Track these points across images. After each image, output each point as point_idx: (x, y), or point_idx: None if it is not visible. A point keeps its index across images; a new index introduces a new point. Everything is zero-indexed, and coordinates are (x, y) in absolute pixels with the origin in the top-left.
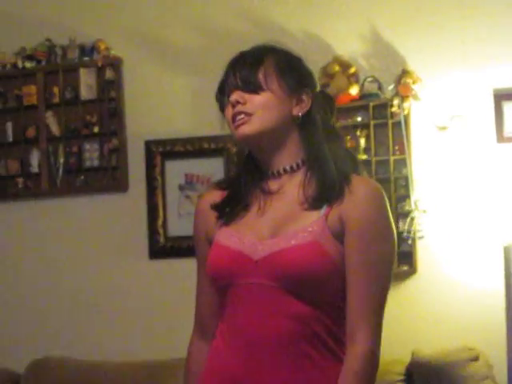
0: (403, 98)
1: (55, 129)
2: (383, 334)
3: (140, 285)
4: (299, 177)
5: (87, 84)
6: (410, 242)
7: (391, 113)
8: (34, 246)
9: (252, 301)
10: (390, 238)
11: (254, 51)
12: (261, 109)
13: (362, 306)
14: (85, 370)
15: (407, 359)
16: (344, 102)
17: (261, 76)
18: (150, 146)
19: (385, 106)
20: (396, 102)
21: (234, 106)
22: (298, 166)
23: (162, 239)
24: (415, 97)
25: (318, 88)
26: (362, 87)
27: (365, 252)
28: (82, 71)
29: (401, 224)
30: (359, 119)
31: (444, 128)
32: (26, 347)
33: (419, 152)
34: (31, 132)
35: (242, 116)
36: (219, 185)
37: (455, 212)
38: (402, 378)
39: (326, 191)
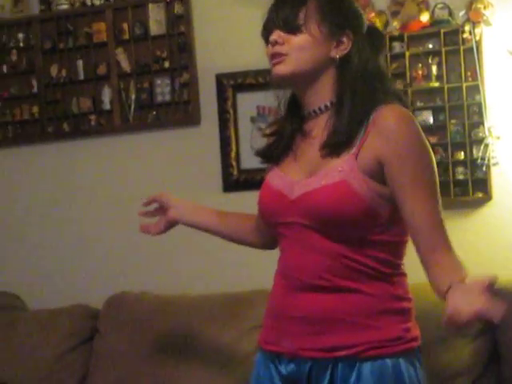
0: (474, 24)
1: (126, 65)
2: None
3: None
4: (327, 119)
5: (156, 19)
6: (484, 168)
7: (463, 39)
8: (109, 183)
9: (291, 238)
10: (429, 156)
11: None
12: (296, 50)
13: (431, 220)
14: (162, 303)
15: None
16: (415, 30)
17: (301, 17)
18: (220, 79)
19: (456, 32)
20: (467, 28)
21: (273, 45)
22: (328, 106)
23: (235, 172)
24: (486, 22)
25: (365, 28)
26: (432, 14)
27: (413, 176)
28: (151, 7)
29: (475, 151)
30: (430, 46)
31: None
32: (104, 283)
33: (492, 78)
34: (102, 69)
35: (279, 56)
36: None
37: None
38: None
39: (335, 138)
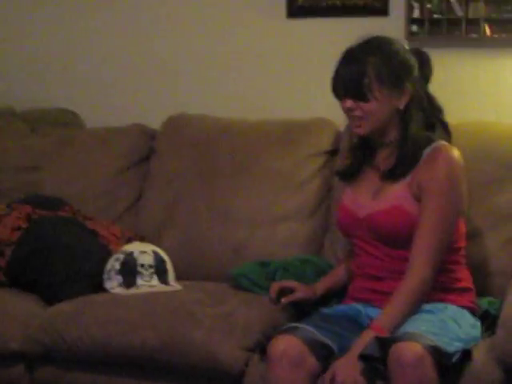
0: None
1: None
2: None
3: (278, 45)
4: (389, 152)
5: None
6: None
7: None
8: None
9: (360, 246)
10: (453, 198)
11: (357, 56)
12: (369, 115)
13: (423, 243)
14: (221, 126)
15: None
16: None
17: (365, 87)
18: None
19: None
20: None
21: (348, 112)
22: (392, 142)
23: None
24: None
25: (416, 70)
26: None
27: (430, 204)
28: None
29: None
30: None
31: None
32: (163, 104)
33: None
34: None
35: (356, 121)
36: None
37: None
38: None
39: (397, 170)
